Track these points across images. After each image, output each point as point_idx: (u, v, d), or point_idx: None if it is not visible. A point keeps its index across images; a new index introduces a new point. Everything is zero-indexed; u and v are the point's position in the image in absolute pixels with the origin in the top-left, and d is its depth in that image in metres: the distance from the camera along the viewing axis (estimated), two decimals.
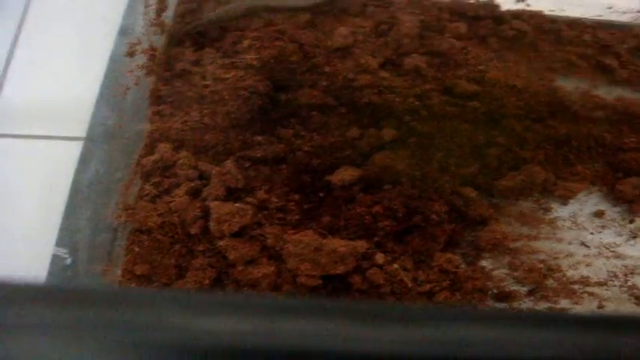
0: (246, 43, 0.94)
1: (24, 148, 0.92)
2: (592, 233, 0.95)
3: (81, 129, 0.91)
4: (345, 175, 0.88)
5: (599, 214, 0.94)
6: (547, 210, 0.94)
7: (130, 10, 1.02)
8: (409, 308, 0.39)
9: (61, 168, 0.88)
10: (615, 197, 0.95)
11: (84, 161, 0.88)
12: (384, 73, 0.94)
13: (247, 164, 0.89)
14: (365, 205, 0.87)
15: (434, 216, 0.87)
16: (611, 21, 1.09)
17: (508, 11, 1.06)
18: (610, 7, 1.11)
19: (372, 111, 0.91)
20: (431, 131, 0.91)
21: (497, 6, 1.06)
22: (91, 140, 0.89)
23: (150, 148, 0.88)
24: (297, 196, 0.88)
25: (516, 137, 0.93)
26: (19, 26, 1.00)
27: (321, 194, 0.88)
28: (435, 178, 0.90)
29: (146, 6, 0.99)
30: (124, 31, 1.00)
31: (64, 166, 0.88)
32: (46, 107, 0.95)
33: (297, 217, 0.87)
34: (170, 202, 0.84)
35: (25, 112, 0.94)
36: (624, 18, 1.11)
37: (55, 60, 0.98)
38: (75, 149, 0.90)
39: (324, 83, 0.91)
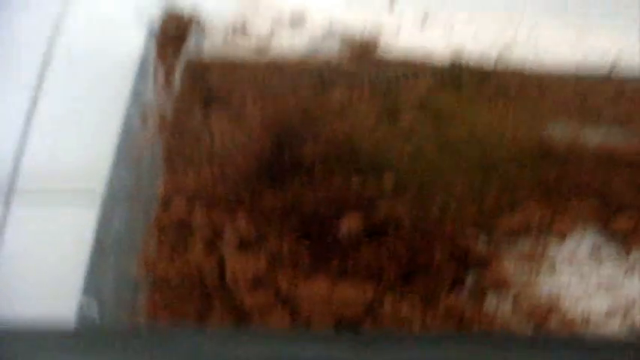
0: (251, 104, 1.01)
1: (48, 203, 0.99)
2: (590, 267, 1.00)
3: (101, 185, 0.98)
4: (350, 221, 0.95)
5: (596, 250, 0.99)
6: (546, 247, 1.00)
7: (141, 73, 1.10)
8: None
9: (83, 223, 0.95)
10: (610, 232, 1.01)
11: (105, 217, 0.95)
12: (381, 127, 1.01)
13: (258, 216, 0.95)
14: (370, 249, 0.93)
15: (437, 258, 0.92)
16: (588, 72, 1.16)
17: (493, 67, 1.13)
18: (585, 58, 1.19)
19: (372, 161, 0.98)
20: (429, 178, 0.98)
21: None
22: (110, 197, 0.96)
23: (166, 205, 0.95)
24: (306, 243, 0.94)
25: (511, 181, 1.00)
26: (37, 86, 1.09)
27: (329, 241, 0.94)
28: (435, 222, 0.95)
29: (156, 69, 1.07)
30: (136, 94, 1.08)
31: (87, 222, 0.95)
32: (67, 164, 1.03)
33: (307, 263, 0.92)
34: (187, 254, 0.91)
35: (46, 168, 1.02)
36: (600, 70, 1.19)
37: (73, 117, 1.06)
38: (96, 205, 0.97)
39: (325, 138, 0.99)
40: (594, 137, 1.10)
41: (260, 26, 1.18)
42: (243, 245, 0.95)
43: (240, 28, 1.17)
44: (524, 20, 1.22)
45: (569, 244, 1.03)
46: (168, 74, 1.08)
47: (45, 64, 1.15)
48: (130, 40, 1.12)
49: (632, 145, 1.08)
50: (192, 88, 1.07)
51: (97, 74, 1.13)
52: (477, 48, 1.17)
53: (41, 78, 1.13)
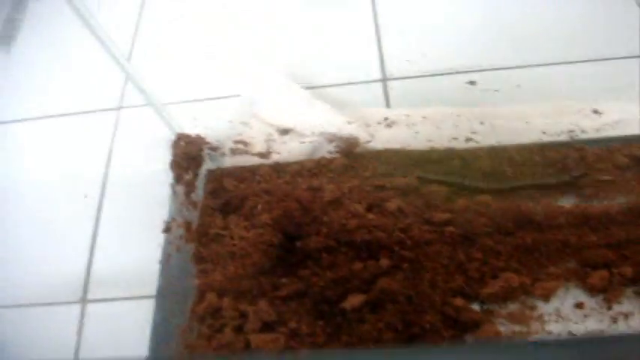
0: (260, 207, 1.25)
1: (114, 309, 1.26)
2: (577, 323, 1.14)
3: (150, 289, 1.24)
4: (354, 301, 1.14)
5: (579, 306, 1.15)
6: (533, 308, 1.16)
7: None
8: None
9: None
10: (590, 289, 1.14)
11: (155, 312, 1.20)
12: (370, 215, 1.21)
13: (277, 301, 1.16)
14: (372, 323, 1.11)
15: (427, 326, 1.09)
16: (551, 142, 1.34)
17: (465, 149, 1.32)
18: (544, 132, 1.35)
19: (368, 246, 1.18)
20: (418, 256, 1.16)
21: (453, 149, 1.33)
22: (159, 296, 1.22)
23: (200, 298, 1.18)
24: (320, 323, 1.13)
25: (490, 251, 1.17)
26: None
27: (338, 319, 1.14)
28: (426, 294, 1.13)
29: (175, 192, 1.33)
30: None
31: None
32: (125, 273, 1.29)
33: (322, 339, 1.12)
34: (220, 338, 1.13)
35: (106, 278, 1.29)
36: (561, 138, 1.35)
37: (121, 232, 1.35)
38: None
39: (325, 230, 1.20)
40: (567, 202, 1.23)
41: (257, 138, 1.42)
42: (266, 328, 1.15)
43: (242, 142, 1.42)
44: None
45: (554, 302, 1.15)
46: (189, 187, 1.33)
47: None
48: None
49: (603, 205, 1.21)
50: (213, 195, 1.31)
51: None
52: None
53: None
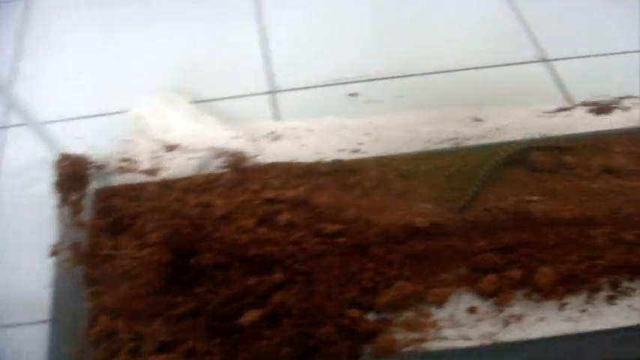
0: (149, 225, 1.24)
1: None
2: (471, 327, 1.17)
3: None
4: (250, 316, 1.17)
5: (472, 310, 1.19)
6: (427, 315, 1.20)
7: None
8: None
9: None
10: (481, 294, 1.18)
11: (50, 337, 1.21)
12: (262, 230, 1.22)
13: (172, 321, 1.16)
14: (268, 338, 1.12)
15: (324, 338, 1.10)
16: (436, 150, 1.42)
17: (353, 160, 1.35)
18: (429, 141, 1.40)
19: (261, 261, 1.19)
20: (311, 269, 1.18)
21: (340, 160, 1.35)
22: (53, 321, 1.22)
23: (93, 321, 1.17)
24: (217, 340, 1.13)
25: (383, 260, 1.19)
26: None
27: (235, 335, 1.14)
28: (321, 306, 1.14)
29: (61, 213, 1.31)
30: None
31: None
32: (17, 299, 1.26)
33: (219, 358, 1.11)
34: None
35: None
36: (445, 145, 1.44)
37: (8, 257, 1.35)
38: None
39: (217, 246, 1.22)
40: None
41: (144, 155, 1.42)
42: (163, 348, 1.14)
43: (129, 160, 1.41)
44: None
45: (448, 308, 1.18)
46: (76, 207, 1.31)
47: None
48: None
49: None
50: (102, 215, 1.30)
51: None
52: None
53: None
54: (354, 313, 1.19)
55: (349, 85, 1.62)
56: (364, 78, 1.61)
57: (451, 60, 1.69)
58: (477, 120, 1.51)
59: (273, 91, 1.62)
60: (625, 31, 1.83)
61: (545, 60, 1.71)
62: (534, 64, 1.71)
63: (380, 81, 1.61)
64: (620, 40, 1.80)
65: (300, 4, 1.90)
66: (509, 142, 1.44)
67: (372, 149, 1.45)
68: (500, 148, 1.39)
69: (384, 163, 1.38)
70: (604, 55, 1.75)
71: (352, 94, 1.56)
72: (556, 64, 1.71)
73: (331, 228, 1.27)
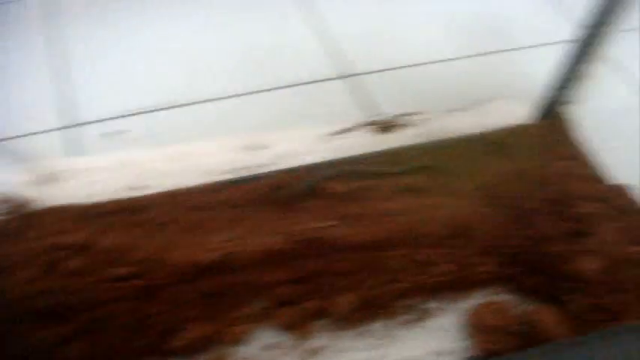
0: None
1: None
2: None
3: None
4: None
5: (273, 347, 1.14)
6: (227, 356, 1.13)
7: None
8: None
9: None
10: (281, 328, 1.14)
11: None
12: (50, 278, 1.14)
13: None
14: None
15: None
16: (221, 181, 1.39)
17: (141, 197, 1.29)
18: (209, 173, 1.39)
19: (51, 312, 1.09)
20: (102, 316, 1.09)
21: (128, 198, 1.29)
22: None
23: None
24: None
25: (176, 301, 1.12)
26: None
27: None
28: (113, 357, 1.05)
29: None
30: None
31: None
32: None
33: None
34: None
35: None
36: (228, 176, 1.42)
37: None
38: None
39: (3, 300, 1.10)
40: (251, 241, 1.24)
41: None
42: None
43: None
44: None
45: (248, 346, 1.14)
46: None
47: None
48: None
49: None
50: None
51: None
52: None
53: None
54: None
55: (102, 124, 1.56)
56: (133, 112, 1.56)
57: (239, 83, 1.68)
58: (258, 148, 1.49)
59: (62, 127, 1.54)
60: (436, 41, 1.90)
61: (344, 76, 1.74)
62: (334, 82, 1.73)
63: (153, 113, 1.57)
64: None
65: None
66: (296, 168, 1.43)
67: (162, 184, 1.39)
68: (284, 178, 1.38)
69: (173, 197, 1.32)
70: (409, 66, 1.80)
71: (104, 134, 1.51)
72: (356, 79, 1.74)
73: (121, 271, 1.20)
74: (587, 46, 1.38)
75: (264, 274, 1.23)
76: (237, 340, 1.19)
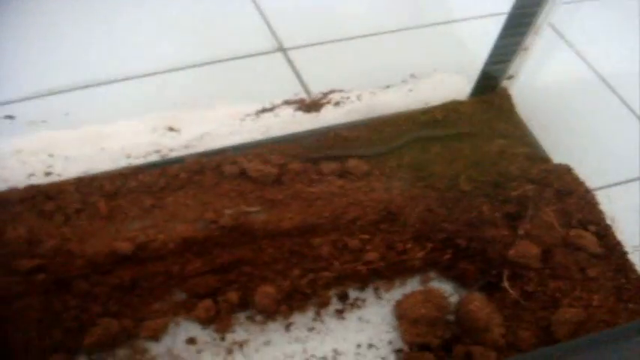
0: None
1: None
2: (192, 358, 1.04)
3: None
4: None
5: (192, 341, 1.09)
6: (143, 351, 1.08)
7: None
8: None
9: None
10: (200, 321, 1.07)
11: None
12: None
13: None
14: None
15: None
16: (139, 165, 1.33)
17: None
18: (129, 156, 1.34)
19: None
20: (7, 314, 1.01)
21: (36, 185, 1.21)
22: None
23: None
24: None
25: (88, 295, 1.05)
26: None
27: None
28: (21, 356, 0.98)
29: None
30: None
31: None
32: None
33: None
34: None
35: None
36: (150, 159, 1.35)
37: None
38: None
39: None
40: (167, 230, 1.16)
41: None
42: None
43: None
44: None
45: (165, 341, 1.07)
46: None
47: None
48: None
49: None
50: None
51: None
52: None
53: None
54: (58, 357, 1.05)
55: (6, 107, 1.46)
56: (45, 93, 1.47)
57: (162, 59, 1.60)
58: (179, 129, 1.42)
59: None
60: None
61: (274, 51, 1.67)
62: (264, 57, 1.67)
63: (68, 93, 1.48)
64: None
65: None
66: (218, 150, 1.37)
67: (66, 171, 1.31)
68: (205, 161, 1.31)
69: (86, 183, 1.23)
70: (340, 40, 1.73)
71: (8, 117, 1.41)
72: (288, 54, 1.67)
73: (28, 264, 1.12)
74: (525, 17, 1.33)
75: (184, 264, 1.17)
76: (154, 335, 1.14)
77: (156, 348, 1.14)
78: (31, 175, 1.31)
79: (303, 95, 1.56)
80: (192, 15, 1.75)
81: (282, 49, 1.66)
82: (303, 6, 1.82)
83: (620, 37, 1.87)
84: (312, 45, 1.70)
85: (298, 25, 1.76)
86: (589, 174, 1.37)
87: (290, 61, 1.64)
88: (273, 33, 1.70)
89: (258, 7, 1.77)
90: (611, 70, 1.75)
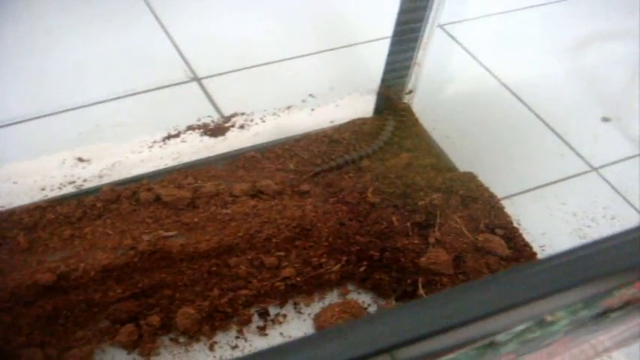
0: None
1: None
2: None
3: None
4: None
5: None
6: None
7: None
8: None
9: None
10: (123, 346, 1.12)
11: None
12: None
13: None
14: None
15: None
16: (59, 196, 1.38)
17: None
18: (43, 189, 1.39)
19: None
20: None
21: None
22: None
23: None
24: None
25: (10, 326, 1.09)
26: None
27: None
28: None
29: None
30: None
31: None
32: None
33: None
34: None
35: None
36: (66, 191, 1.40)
37: None
38: None
39: None
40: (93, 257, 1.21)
41: None
42: None
43: None
44: None
45: None
46: None
47: None
48: None
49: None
50: None
51: None
52: None
53: None
54: None
55: None
56: None
57: (76, 95, 1.66)
58: (83, 160, 1.47)
59: None
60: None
61: (185, 82, 1.74)
62: (175, 88, 1.73)
63: None
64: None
65: None
66: (132, 178, 1.43)
67: None
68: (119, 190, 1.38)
69: (3, 218, 1.27)
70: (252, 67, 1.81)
71: None
72: (198, 83, 1.74)
73: None
74: (410, 33, 1.43)
75: (105, 291, 1.21)
76: None
77: None
78: None
79: (208, 121, 1.63)
80: (108, 50, 1.81)
81: (196, 79, 1.72)
82: (214, 37, 1.90)
83: (520, 47, 2.01)
84: (220, 74, 1.77)
85: (210, 55, 1.83)
86: (493, 181, 1.47)
87: (202, 91, 1.71)
88: (186, 64, 1.77)
89: (168, 40, 1.83)
90: (512, 78, 1.87)
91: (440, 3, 1.39)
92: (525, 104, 1.81)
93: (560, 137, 1.71)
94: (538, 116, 1.78)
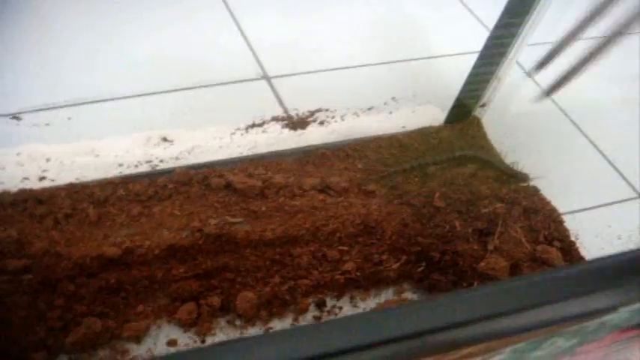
0: None
1: None
2: None
3: None
4: None
5: (172, 343, 1.12)
6: (124, 353, 1.10)
7: None
8: None
9: None
10: (181, 324, 1.11)
11: None
12: None
13: None
14: None
15: None
16: (132, 174, 1.36)
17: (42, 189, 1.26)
18: (121, 165, 1.38)
19: None
20: None
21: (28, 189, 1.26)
22: None
23: None
24: None
25: (73, 296, 1.08)
26: None
27: None
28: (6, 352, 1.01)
29: None
30: None
31: None
32: None
33: None
34: None
35: None
36: (141, 169, 1.39)
37: None
38: None
39: None
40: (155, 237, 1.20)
41: None
42: None
43: None
44: None
45: (146, 343, 1.10)
46: None
47: None
48: None
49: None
50: None
51: None
52: None
53: None
54: (39, 356, 1.08)
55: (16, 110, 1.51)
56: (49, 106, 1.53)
57: (158, 81, 1.67)
58: (166, 141, 1.48)
59: None
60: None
61: (260, 79, 1.73)
62: (252, 83, 1.72)
63: (70, 108, 1.54)
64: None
65: None
66: (205, 164, 1.41)
67: (60, 176, 1.35)
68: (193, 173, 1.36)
69: (78, 190, 1.28)
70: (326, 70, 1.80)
71: (15, 117, 1.47)
72: (275, 81, 1.73)
73: (16, 264, 1.15)
74: (500, 47, 1.42)
75: (168, 270, 1.20)
76: (135, 336, 1.14)
77: (137, 349, 1.14)
78: (25, 179, 1.34)
79: (288, 114, 1.61)
80: (188, 47, 1.82)
81: (266, 77, 1.73)
82: (291, 41, 1.89)
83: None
84: (299, 74, 1.77)
85: (286, 58, 1.82)
86: (555, 196, 1.45)
87: (274, 89, 1.71)
88: (263, 65, 1.77)
89: (247, 42, 1.84)
90: (569, 102, 1.84)
91: (533, 23, 1.39)
92: (580, 129, 1.78)
93: (610, 163, 1.70)
94: (592, 142, 1.75)
